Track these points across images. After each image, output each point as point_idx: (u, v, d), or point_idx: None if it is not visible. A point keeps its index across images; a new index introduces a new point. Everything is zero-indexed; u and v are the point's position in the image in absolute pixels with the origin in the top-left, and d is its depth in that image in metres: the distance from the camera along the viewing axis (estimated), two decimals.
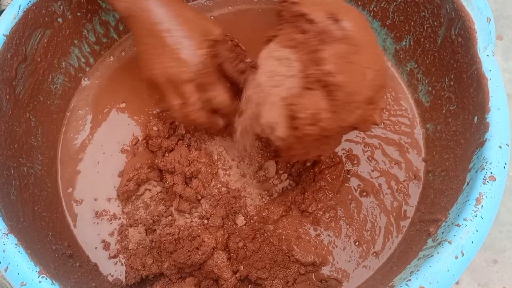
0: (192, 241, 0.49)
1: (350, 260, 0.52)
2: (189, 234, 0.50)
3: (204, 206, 0.53)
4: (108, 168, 0.57)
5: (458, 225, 0.39)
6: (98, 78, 0.64)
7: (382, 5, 0.62)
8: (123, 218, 0.54)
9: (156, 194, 0.55)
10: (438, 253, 0.38)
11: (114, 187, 0.56)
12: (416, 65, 0.60)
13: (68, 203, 0.56)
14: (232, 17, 0.67)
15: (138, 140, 0.58)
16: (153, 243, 0.51)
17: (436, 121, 0.57)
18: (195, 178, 0.53)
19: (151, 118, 0.60)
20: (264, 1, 0.68)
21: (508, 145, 0.42)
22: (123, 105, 0.62)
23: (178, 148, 0.55)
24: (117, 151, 0.58)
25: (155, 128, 0.56)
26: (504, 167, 0.41)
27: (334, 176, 0.56)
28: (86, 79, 0.64)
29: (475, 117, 0.47)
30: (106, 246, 0.53)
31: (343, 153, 0.58)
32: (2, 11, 0.53)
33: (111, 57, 0.65)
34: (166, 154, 0.55)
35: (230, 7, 0.68)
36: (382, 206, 0.55)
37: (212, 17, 0.67)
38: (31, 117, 0.54)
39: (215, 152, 0.55)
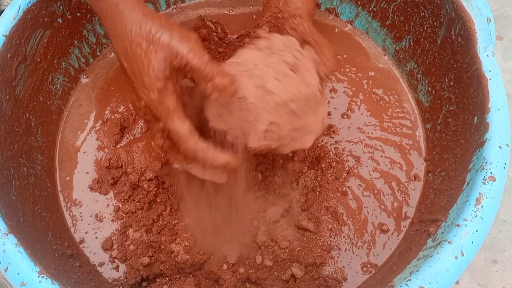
0: (192, 241, 0.49)
1: (350, 260, 0.52)
2: (190, 233, 0.50)
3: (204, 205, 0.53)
4: None
5: (458, 225, 0.39)
6: (98, 76, 0.64)
7: (382, 5, 0.62)
8: (123, 218, 0.54)
9: (156, 195, 0.55)
10: (438, 253, 0.38)
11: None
12: (416, 65, 0.61)
13: (67, 204, 0.56)
14: (250, 16, 0.69)
15: (138, 140, 0.58)
16: (153, 243, 0.51)
17: (436, 121, 0.57)
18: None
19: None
20: None
21: (508, 146, 0.42)
22: (123, 104, 0.62)
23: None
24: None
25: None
26: (504, 167, 0.41)
27: (335, 177, 0.56)
28: (85, 76, 0.64)
29: (475, 117, 0.47)
30: (106, 246, 0.53)
31: (344, 154, 0.58)
32: (2, 11, 0.53)
33: (112, 53, 0.65)
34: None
35: (251, 7, 0.69)
36: (383, 206, 0.55)
37: (231, 12, 0.69)
38: (31, 117, 0.54)
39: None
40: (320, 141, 0.58)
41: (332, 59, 0.45)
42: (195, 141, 0.40)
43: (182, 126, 0.39)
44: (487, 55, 0.47)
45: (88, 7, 0.59)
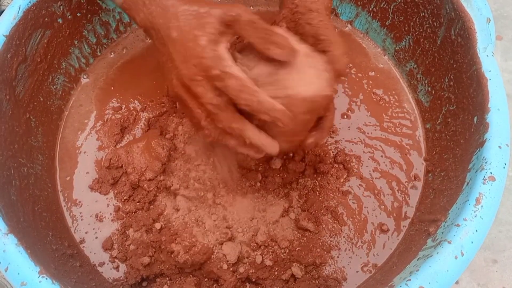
0: (192, 241, 0.49)
1: (350, 260, 0.52)
2: (190, 233, 0.50)
3: (204, 205, 0.53)
4: None
5: (457, 225, 0.39)
6: (98, 76, 0.64)
7: (381, 6, 0.62)
8: (123, 218, 0.54)
9: (157, 195, 0.55)
10: (437, 253, 0.38)
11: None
12: (415, 65, 0.61)
13: (68, 203, 0.56)
14: None
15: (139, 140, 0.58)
16: (153, 243, 0.51)
17: (435, 121, 0.57)
18: (196, 181, 0.53)
19: (152, 118, 0.60)
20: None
21: (507, 145, 0.42)
22: (123, 104, 0.62)
23: (181, 151, 0.55)
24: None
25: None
26: (504, 167, 0.41)
27: (335, 177, 0.56)
28: (86, 76, 0.64)
29: (475, 118, 0.47)
30: (106, 246, 0.53)
31: (345, 154, 0.58)
32: (2, 11, 0.53)
33: (112, 54, 0.66)
34: (170, 153, 0.55)
35: (251, 7, 0.69)
36: (383, 206, 0.55)
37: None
38: (31, 117, 0.54)
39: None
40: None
41: (340, 57, 0.44)
42: (255, 87, 0.38)
43: (239, 70, 0.39)
44: (487, 55, 0.47)
45: (89, 7, 0.59)
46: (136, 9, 0.43)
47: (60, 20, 0.56)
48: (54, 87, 0.59)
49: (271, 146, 0.42)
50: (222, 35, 0.39)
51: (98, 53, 0.65)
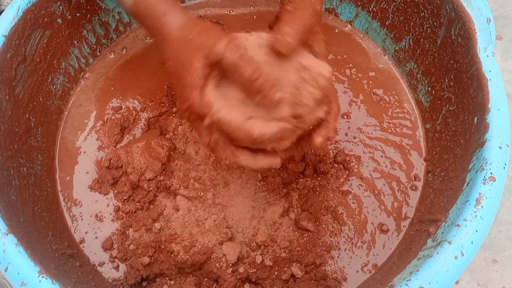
0: (192, 240, 0.49)
1: (350, 260, 0.52)
2: (190, 233, 0.50)
3: (204, 205, 0.53)
4: None
5: (458, 226, 0.39)
6: (98, 76, 0.64)
7: (381, 5, 0.62)
8: (123, 218, 0.54)
9: (157, 194, 0.55)
10: (438, 253, 0.38)
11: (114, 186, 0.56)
12: (415, 65, 0.61)
13: (67, 203, 0.56)
14: (251, 17, 0.69)
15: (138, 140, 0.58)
16: (153, 242, 0.51)
17: (436, 121, 0.57)
18: (196, 181, 0.53)
19: (151, 118, 0.60)
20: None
21: (508, 146, 0.42)
22: (123, 104, 0.62)
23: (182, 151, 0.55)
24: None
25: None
26: (504, 168, 0.41)
27: (335, 177, 0.56)
28: (85, 76, 0.64)
29: (475, 118, 0.47)
30: (106, 246, 0.53)
31: (345, 154, 0.58)
32: (2, 11, 0.53)
33: (112, 53, 0.66)
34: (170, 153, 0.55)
35: (251, 7, 0.69)
36: (383, 206, 0.55)
37: (231, 12, 0.69)
38: (30, 117, 0.54)
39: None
40: None
41: (286, 34, 0.40)
42: (247, 125, 0.39)
43: (228, 113, 0.39)
44: (487, 55, 0.47)
45: (88, 7, 0.59)
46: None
47: (59, 20, 0.56)
48: (54, 87, 0.59)
49: (270, 164, 0.43)
50: (208, 76, 0.40)
51: (98, 53, 0.65)
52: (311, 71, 0.40)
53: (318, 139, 0.42)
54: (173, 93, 0.61)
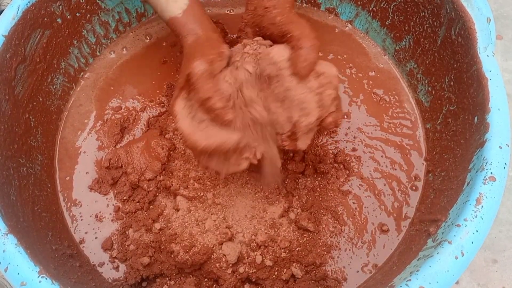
0: (192, 241, 0.49)
1: (350, 260, 0.52)
2: (190, 233, 0.50)
3: (204, 205, 0.53)
4: None
5: (458, 225, 0.39)
6: (98, 76, 0.64)
7: (381, 5, 0.62)
8: (123, 218, 0.54)
9: (156, 195, 0.55)
10: (438, 253, 0.38)
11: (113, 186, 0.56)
12: (416, 65, 0.60)
13: (67, 204, 0.56)
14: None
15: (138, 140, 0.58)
16: (153, 243, 0.51)
17: (436, 121, 0.57)
18: (196, 181, 0.53)
19: (151, 118, 0.60)
20: None
21: (508, 146, 0.42)
22: (123, 104, 0.62)
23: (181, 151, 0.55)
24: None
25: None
26: (504, 168, 0.41)
27: (335, 177, 0.56)
28: (86, 76, 0.64)
29: (475, 118, 0.47)
30: (106, 246, 0.53)
31: (345, 154, 0.57)
32: (2, 11, 0.53)
33: (112, 53, 0.65)
34: (170, 152, 0.55)
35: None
36: (383, 206, 0.55)
37: (231, 11, 0.69)
38: (30, 117, 0.54)
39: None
40: (320, 141, 0.58)
41: (311, 51, 0.41)
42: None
43: (183, 123, 0.44)
44: (487, 55, 0.46)
45: (88, 7, 0.59)
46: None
47: (59, 20, 0.56)
48: (54, 87, 0.59)
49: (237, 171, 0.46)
50: (183, 89, 0.44)
51: (98, 53, 0.65)
52: (325, 75, 0.43)
53: (329, 119, 0.44)
54: (173, 93, 0.61)
